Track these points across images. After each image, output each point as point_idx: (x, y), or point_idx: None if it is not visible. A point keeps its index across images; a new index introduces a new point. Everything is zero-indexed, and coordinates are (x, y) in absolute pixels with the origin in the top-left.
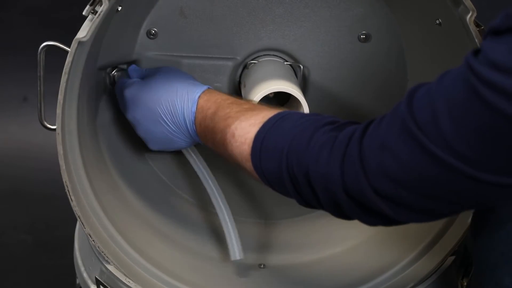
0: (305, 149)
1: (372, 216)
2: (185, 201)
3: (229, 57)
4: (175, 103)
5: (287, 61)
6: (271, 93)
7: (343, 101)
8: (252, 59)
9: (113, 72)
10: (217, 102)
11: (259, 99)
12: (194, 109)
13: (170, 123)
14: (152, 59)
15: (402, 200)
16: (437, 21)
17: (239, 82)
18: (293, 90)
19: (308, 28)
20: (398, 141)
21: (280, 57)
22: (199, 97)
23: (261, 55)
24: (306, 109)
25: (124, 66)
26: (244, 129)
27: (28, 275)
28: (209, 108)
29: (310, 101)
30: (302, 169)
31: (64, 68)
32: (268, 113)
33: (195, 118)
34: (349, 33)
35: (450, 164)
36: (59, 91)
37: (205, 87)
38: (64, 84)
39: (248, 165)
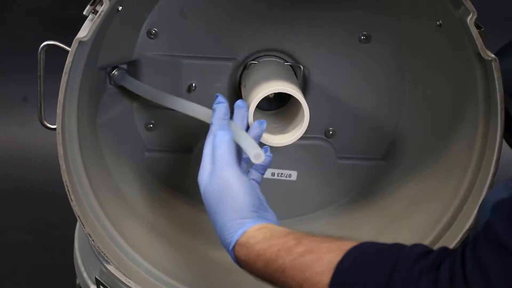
0: None
1: None
2: (185, 202)
3: (229, 57)
4: (217, 233)
5: (287, 62)
6: (271, 94)
7: (344, 102)
8: (253, 60)
9: (113, 72)
10: (260, 255)
11: (260, 100)
12: (234, 259)
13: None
14: (152, 59)
15: None
16: (438, 23)
17: (239, 83)
18: (293, 91)
19: (309, 29)
20: (499, 266)
21: (280, 57)
22: (233, 248)
23: (261, 56)
24: (306, 110)
25: (125, 66)
26: (312, 279)
27: (28, 275)
28: (254, 263)
29: (310, 102)
30: None
31: (65, 68)
32: (332, 255)
33: (238, 263)
34: (350, 34)
35: None
36: (60, 90)
37: (236, 236)
38: (65, 84)
39: None
